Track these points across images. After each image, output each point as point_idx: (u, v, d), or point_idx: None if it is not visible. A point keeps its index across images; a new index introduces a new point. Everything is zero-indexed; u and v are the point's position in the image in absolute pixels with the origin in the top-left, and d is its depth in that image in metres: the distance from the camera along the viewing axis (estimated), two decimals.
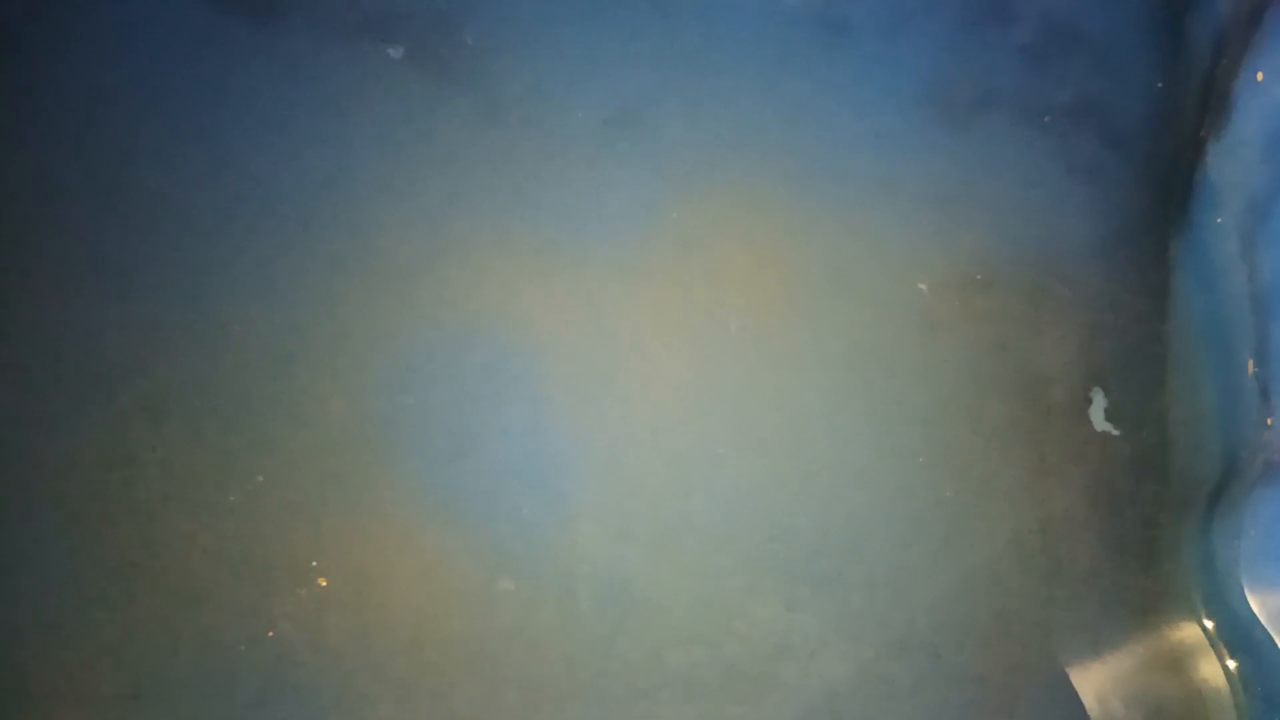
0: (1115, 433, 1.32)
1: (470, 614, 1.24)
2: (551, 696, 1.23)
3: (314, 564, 1.22)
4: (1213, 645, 1.24)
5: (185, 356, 1.26)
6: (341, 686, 1.21)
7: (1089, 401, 1.32)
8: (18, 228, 1.29)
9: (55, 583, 1.21)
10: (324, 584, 1.22)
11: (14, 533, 1.22)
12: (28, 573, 1.21)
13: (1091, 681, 1.27)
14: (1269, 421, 1.17)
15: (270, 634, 1.21)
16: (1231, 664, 1.23)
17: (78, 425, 1.25)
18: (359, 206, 1.34)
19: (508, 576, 1.25)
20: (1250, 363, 1.21)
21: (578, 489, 1.29)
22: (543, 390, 1.32)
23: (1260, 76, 1.22)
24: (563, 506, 1.29)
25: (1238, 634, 1.20)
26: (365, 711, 1.21)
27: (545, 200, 1.37)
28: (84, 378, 1.25)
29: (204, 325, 1.28)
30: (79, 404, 1.25)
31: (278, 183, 1.33)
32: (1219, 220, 1.28)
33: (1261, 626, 1.15)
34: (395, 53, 1.38)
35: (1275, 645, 1.14)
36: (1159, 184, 1.39)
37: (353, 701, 1.20)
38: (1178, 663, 1.27)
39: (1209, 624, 1.25)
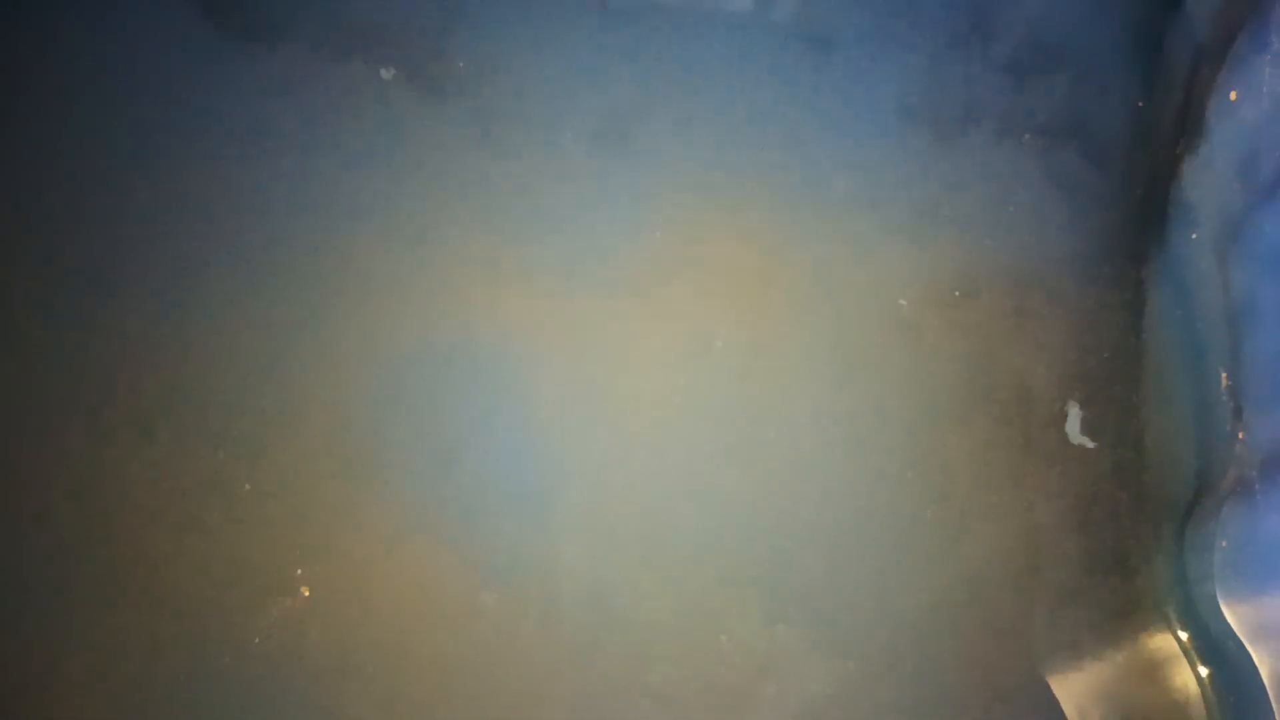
0: (1091, 445, 1.33)
1: (452, 626, 1.26)
2: (532, 709, 1.24)
3: (298, 572, 1.24)
4: (1187, 656, 1.26)
5: (172, 372, 1.29)
6: (325, 695, 1.23)
7: (1065, 415, 1.34)
8: (3, 243, 1.32)
9: (41, 599, 1.23)
10: (307, 593, 1.24)
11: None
12: (13, 590, 1.23)
13: (1071, 694, 1.29)
14: (1241, 435, 1.18)
15: (255, 640, 1.23)
16: (1206, 675, 1.25)
17: (63, 442, 1.27)
18: (348, 223, 1.36)
19: (490, 589, 1.27)
20: (1224, 376, 1.22)
21: (562, 503, 1.31)
22: (528, 405, 1.34)
23: (1234, 96, 1.24)
24: (546, 520, 1.30)
25: (1212, 645, 1.22)
26: (358, 685, 1.23)
27: (533, 217, 1.40)
28: (70, 394, 1.28)
29: (191, 340, 1.30)
30: (65, 421, 1.27)
31: (267, 199, 1.35)
32: (1194, 237, 1.29)
33: (1235, 638, 1.16)
34: (386, 73, 1.40)
35: (1249, 656, 1.15)
36: (1137, 201, 1.41)
37: (335, 710, 1.22)
38: (1154, 674, 1.28)
39: (1184, 635, 1.26)
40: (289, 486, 1.27)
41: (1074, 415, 1.34)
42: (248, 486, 1.26)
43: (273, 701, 1.22)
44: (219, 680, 1.22)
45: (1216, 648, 1.21)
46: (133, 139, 1.35)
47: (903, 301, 1.39)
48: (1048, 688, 1.29)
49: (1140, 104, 1.44)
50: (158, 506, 1.26)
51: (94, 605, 1.23)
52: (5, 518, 1.25)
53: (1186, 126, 1.31)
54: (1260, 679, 1.14)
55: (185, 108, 1.37)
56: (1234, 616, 1.16)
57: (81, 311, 1.30)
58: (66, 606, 1.23)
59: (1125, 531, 1.32)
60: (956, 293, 1.40)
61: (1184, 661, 1.26)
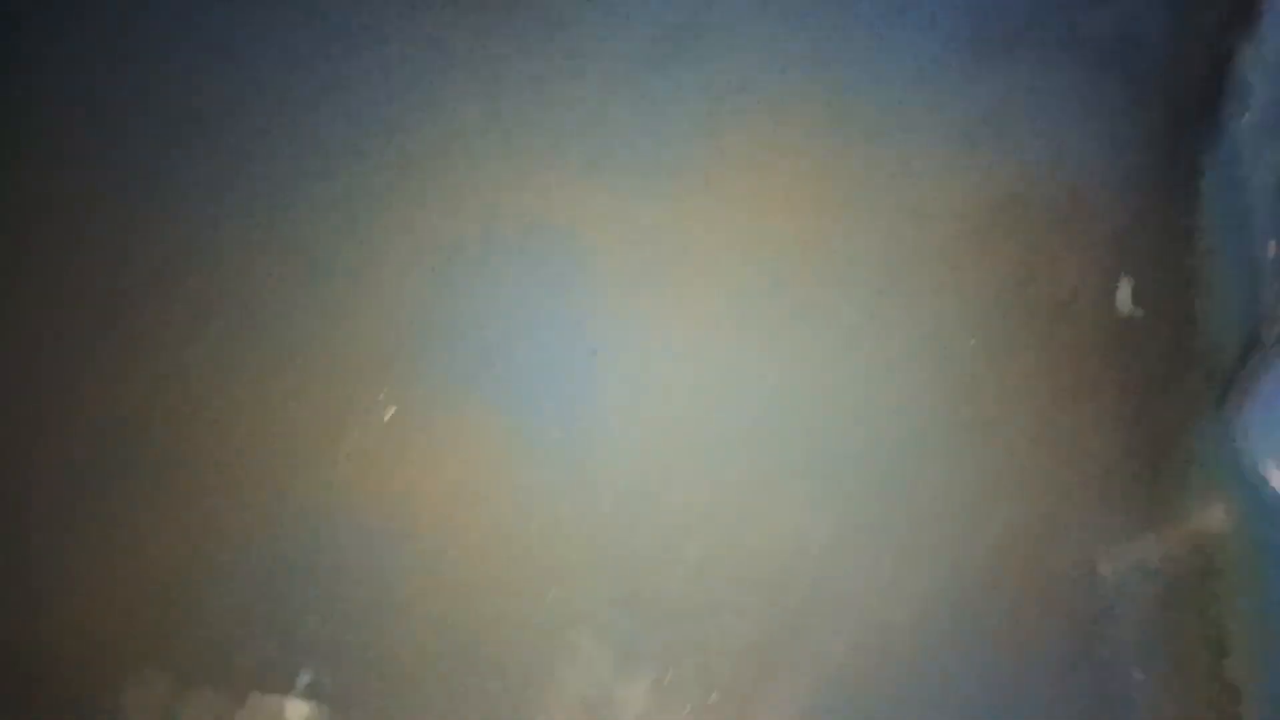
0: (1140, 315, 1.36)
1: (498, 485, 1.32)
2: (570, 567, 1.30)
3: (381, 395, 1.32)
4: (1231, 518, 1.28)
5: (228, 258, 1.36)
6: (390, 531, 1.31)
7: (1116, 290, 1.37)
8: (54, 137, 1.40)
9: (106, 465, 1.31)
10: (389, 416, 1.32)
11: (58, 437, 1.33)
12: (82, 461, 1.32)
13: (1114, 562, 1.31)
14: None
15: (337, 465, 1.31)
16: (1250, 537, 1.26)
17: (117, 325, 1.35)
18: (411, 116, 1.41)
19: (538, 457, 1.33)
20: (1272, 245, 1.25)
21: (609, 388, 1.36)
22: (585, 294, 1.39)
23: None
24: (593, 402, 1.36)
25: (1254, 505, 1.24)
26: (405, 549, 1.30)
27: (598, 115, 1.44)
28: (116, 285, 1.35)
29: (244, 234, 1.37)
30: (112, 316, 1.35)
31: (324, 92, 1.42)
32: (1247, 118, 1.32)
33: (1277, 495, 1.19)
34: None
35: None
36: (1194, 95, 1.43)
37: (395, 541, 1.30)
38: (1198, 538, 1.30)
39: (1228, 498, 1.28)
40: (352, 353, 1.34)
41: (1125, 288, 1.37)
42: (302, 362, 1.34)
43: (348, 536, 1.30)
44: (300, 514, 1.30)
45: (1259, 508, 1.23)
46: (167, 34, 1.42)
47: (955, 208, 1.43)
48: (1092, 560, 1.32)
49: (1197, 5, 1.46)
50: (222, 375, 1.33)
51: (162, 465, 1.31)
52: (69, 400, 1.33)
53: (1242, 10, 1.34)
54: None
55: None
56: (1276, 474, 1.19)
57: (123, 212, 1.38)
58: (136, 468, 1.31)
59: (1172, 397, 1.34)
60: (1018, 188, 1.43)
61: (1229, 524, 1.28)
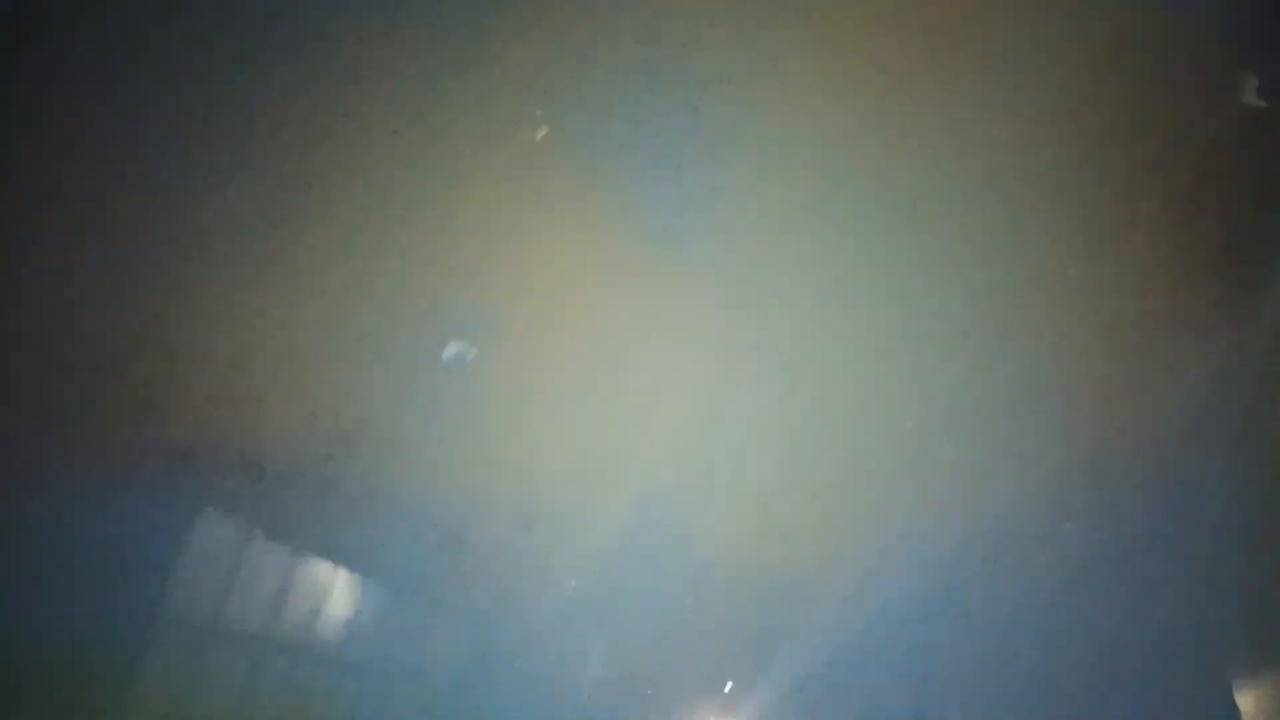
0: (1262, 104, 1.40)
1: (609, 263, 1.37)
2: (667, 333, 1.37)
3: (539, 112, 1.39)
4: None
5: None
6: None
7: (1243, 86, 1.41)
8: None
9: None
10: (542, 135, 1.39)
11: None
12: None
13: (1205, 358, 1.34)
14: None
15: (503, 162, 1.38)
16: None
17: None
18: None
19: (644, 265, 1.37)
20: None
21: (710, 191, 1.39)
22: (698, 113, 1.41)
23: None
24: (699, 201, 1.39)
25: None
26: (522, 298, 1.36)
27: None
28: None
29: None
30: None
31: None
32: None
33: None
34: None
35: None
36: None
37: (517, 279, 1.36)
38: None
39: None
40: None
41: (1251, 83, 1.40)
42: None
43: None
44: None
45: None
46: None
47: (1078, 39, 1.45)
48: (1188, 354, 1.35)
49: None
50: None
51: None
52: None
53: None
54: None
55: None
56: None
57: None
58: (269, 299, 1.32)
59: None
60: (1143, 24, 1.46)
61: None
